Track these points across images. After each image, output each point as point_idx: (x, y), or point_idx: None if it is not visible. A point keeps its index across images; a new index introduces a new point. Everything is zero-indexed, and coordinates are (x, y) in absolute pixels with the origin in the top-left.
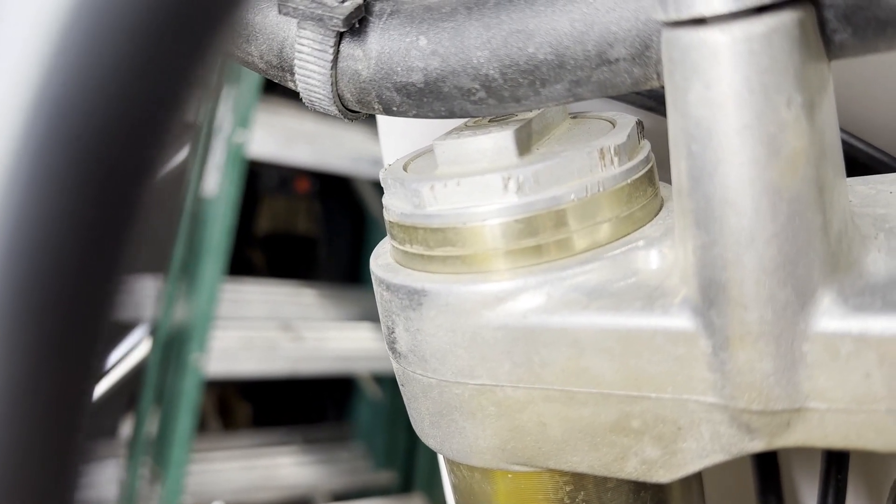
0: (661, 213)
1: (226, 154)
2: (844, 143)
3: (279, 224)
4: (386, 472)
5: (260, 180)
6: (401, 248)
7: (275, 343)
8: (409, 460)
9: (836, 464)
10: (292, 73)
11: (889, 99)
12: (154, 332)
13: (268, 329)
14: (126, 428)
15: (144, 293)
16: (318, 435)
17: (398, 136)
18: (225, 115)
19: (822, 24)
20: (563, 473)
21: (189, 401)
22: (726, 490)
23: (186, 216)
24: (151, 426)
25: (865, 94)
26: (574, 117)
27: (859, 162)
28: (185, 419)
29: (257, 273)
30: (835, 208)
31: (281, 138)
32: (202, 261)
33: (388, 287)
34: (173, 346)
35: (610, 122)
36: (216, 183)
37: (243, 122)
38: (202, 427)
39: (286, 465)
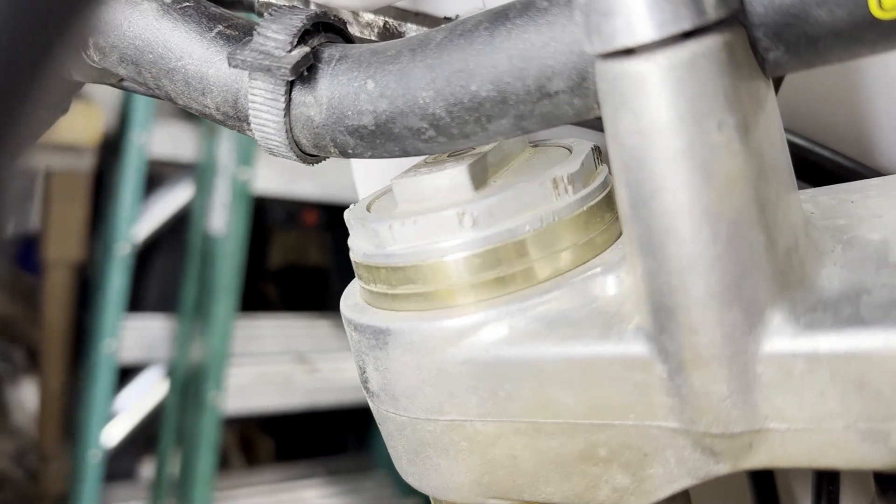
0: (621, 238)
1: (231, 192)
2: (810, 152)
3: (290, 257)
4: (411, 500)
5: (268, 215)
6: (367, 287)
7: (290, 376)
8: None
9: (827, 475)
10: (248, 123)
11: (855, 107)
12: (171, 373)
13: (283, 363)
14: (148, 470)
15: (159, 335)
16: (340, 466)
17: (371, 173)
18: (228, 153)
19: (753, 44)
20: None
21: (209, 439)
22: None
23: (197, 255)
24: (173, 467)
25: (831, 102)
26: (535, 146)
27: (827, 170)
28: (205, 458)
29: (272, 306)
30: (781, 226)
31: (285, 173)
32: (214, 299)
33: (356, 327)
34: (190, 386)
35: (568, 149)
36: (224, 221)
37: (246, 159)
38: (225, 464)
39: (311, 498)
